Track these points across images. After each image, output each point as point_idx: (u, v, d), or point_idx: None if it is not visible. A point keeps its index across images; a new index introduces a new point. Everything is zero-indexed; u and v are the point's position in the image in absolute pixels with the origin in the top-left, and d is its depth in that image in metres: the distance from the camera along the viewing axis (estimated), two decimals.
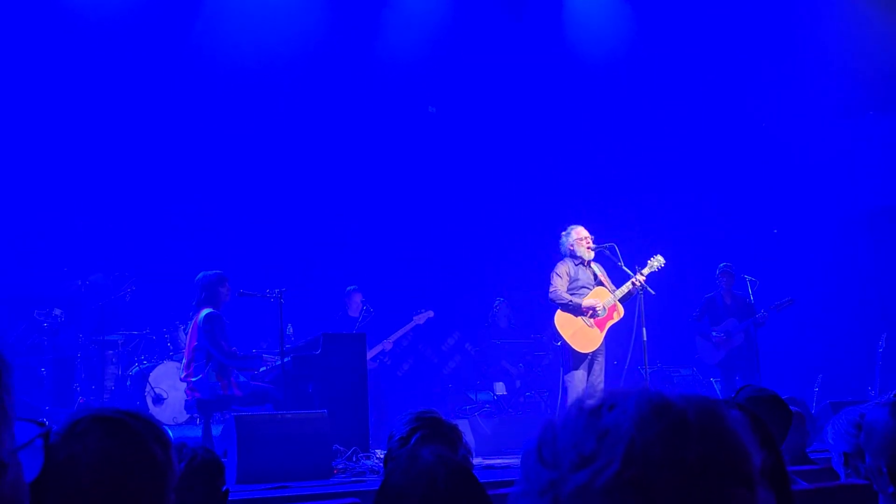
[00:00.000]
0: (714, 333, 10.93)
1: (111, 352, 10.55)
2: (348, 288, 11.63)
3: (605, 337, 9.25)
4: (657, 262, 9.36)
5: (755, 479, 1.02)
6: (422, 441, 3.13)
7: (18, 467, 0.93)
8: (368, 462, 7.34)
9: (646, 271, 9.27)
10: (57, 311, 10.42)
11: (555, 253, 9.59)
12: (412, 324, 11.56)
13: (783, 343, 12.51)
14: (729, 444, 1.01)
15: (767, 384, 10.28)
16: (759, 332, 10.91)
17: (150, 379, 9.93)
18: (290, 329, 10.05)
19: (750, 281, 10.90)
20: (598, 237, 9.49)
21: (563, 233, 9.54)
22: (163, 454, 1.85)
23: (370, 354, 10.70)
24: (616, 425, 1.00)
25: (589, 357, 9.15)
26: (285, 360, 8.25)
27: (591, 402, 1.05)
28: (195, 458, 3.09)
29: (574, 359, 9.15)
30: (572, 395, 9.00)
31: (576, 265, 9.38)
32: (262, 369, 8.62)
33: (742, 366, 10.81)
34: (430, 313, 11.66)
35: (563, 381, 9.25)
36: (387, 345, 11.42)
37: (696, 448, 0.98)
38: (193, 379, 8.25)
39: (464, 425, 10.07)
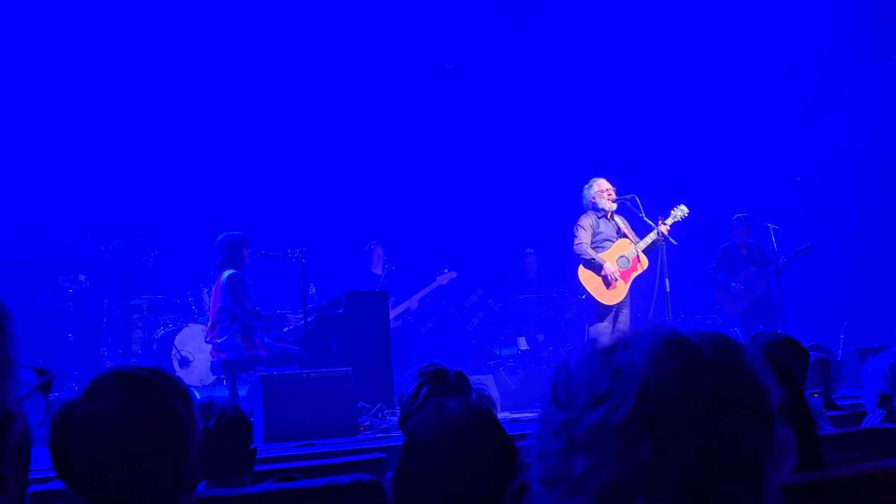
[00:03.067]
0: (734, 285, 10.83)
1: (136, 316, 10.61)
2: (370, 244, 11.62)
3: (629, 288, 9.24)
4: (680, 211, 9.30)
5: (773, 414, 1.01)
6: (429, 394, 3.14)
7: (24, 416, 0.93)
8: (394, 418, 7.36)
9: (669, 221, 9.21)
10: (82, 277, 10.47)
11: (577, 206, 9.56)
12: (435, 284, 11.55)
13: (808, 291, 12.44)
14: (746, 379, 1.00)
15: (792, 332, 10.23)
16: (783, 279, 10.80)
17: (176, 342, 9.98)
18: (312, 289, 10.07)
19: (773, 229, 10.78)
20: (619, 189, 9.44)
21: (585, 186, 9.51)
22: (185, 410, 1.85)
23: (394, 313, 10.72)
24: (630, 363, 0.99)
25: (614, 309, 9.15)
26: (309, 319, 8.28)
27: (605, 341, 1.04)
28: (224, 416, 3.11)
29: (599, 311, 9.16)
30: None
31: (598, 218, 9.35)
32: (285, 329, 8.65)
33: (763, 316, 10.72)
34: (453, 274, 11.64)
35: (588, 334, 9.26)
36: (412, 303, 11.44)
37: (711, 384, 0.97)
38: (218, 340, 8.30)
39: (488, 380, 10.12)
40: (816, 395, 4.83)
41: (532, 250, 12.64)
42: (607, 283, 9.12)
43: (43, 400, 0.99)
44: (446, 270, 11.57)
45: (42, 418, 0.99)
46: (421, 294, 11.49)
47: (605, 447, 0.96)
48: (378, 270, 11.45)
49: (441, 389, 3.20)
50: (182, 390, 1.87)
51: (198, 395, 8.26)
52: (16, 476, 0.90)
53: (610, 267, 9.12)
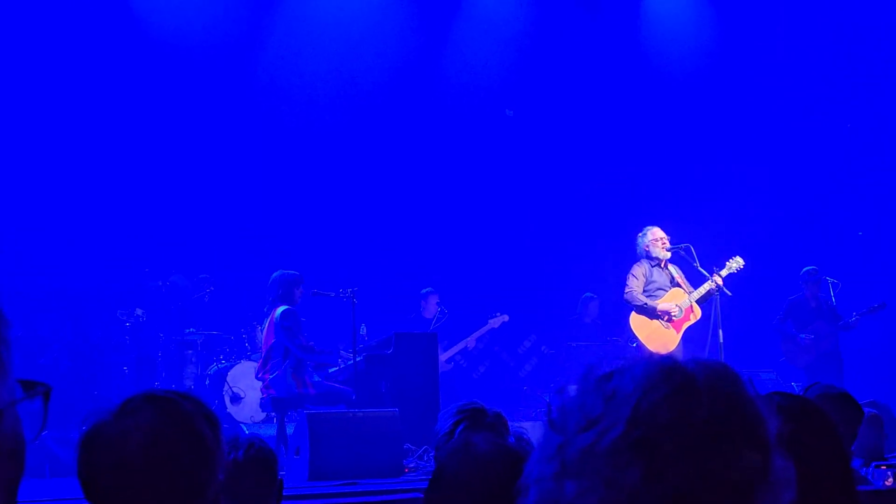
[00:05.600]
0: (803, 336, 10.64)
1: (190, 351, 10.73)
2: (424, 290, 11.64)
3: (682, 338, 9.14)
4: (736, 263, 9.22)
5: (769, 444, 1.00)
6: (465, 432, 3.14)
7: (17, 417, 0.95)
8: None
9: (724, 272, 9.15)
10: (139, 311, 10.62)
11: (632, 254, 9.52)
12: (487, 327, 11.53)
13: (872, 347, 12.19)
14: (740, 407, 0.99)
15: (853, 389, 10.01)
16: (846, 336, 10.62)
17: (228, 378, 10.07)
18: (363, 329, 10.11)
19: (832, 283, 10.59)
20: (674, 238, 9.39)
21: (639, 234, 9.49)
22: (212, 435, 1.88)
23: (448, 355, 10.72)
24: (622, 387, 0.99)
25: None
26: (358, 359, 8.32)
27: (602, 368, 1.04)
28: (251, 449, 3.12)
29: None
30: None
31: (652, 266, 9.30)
32: (332, 370, 8.70)
33: (829, 371, 10.50)
34: (505, 317, 11.61)
35: None
36: (469, 343, 11.44)
37: (703, 410, 0.96)
38: (269, 377, 8.35)
39: (537, 428, 10.03)
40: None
41: (593, 295, 12.53)
42: (669, 318, 9.03)
43: (40, 413, 1.01)
44: (498, 314, 11.54)
45: (37, 431, 1.01)
46: (476, 335, 11.49)
47: (594, 471, 0.96)
48: (429, 315, 11.46)
49: (478, 428, 3.20)
50: (210, 415, 1.90)
51: (246, 430, 8.30)
52: (3, 476, 0.93)
53: (666, 304, 9.04)
